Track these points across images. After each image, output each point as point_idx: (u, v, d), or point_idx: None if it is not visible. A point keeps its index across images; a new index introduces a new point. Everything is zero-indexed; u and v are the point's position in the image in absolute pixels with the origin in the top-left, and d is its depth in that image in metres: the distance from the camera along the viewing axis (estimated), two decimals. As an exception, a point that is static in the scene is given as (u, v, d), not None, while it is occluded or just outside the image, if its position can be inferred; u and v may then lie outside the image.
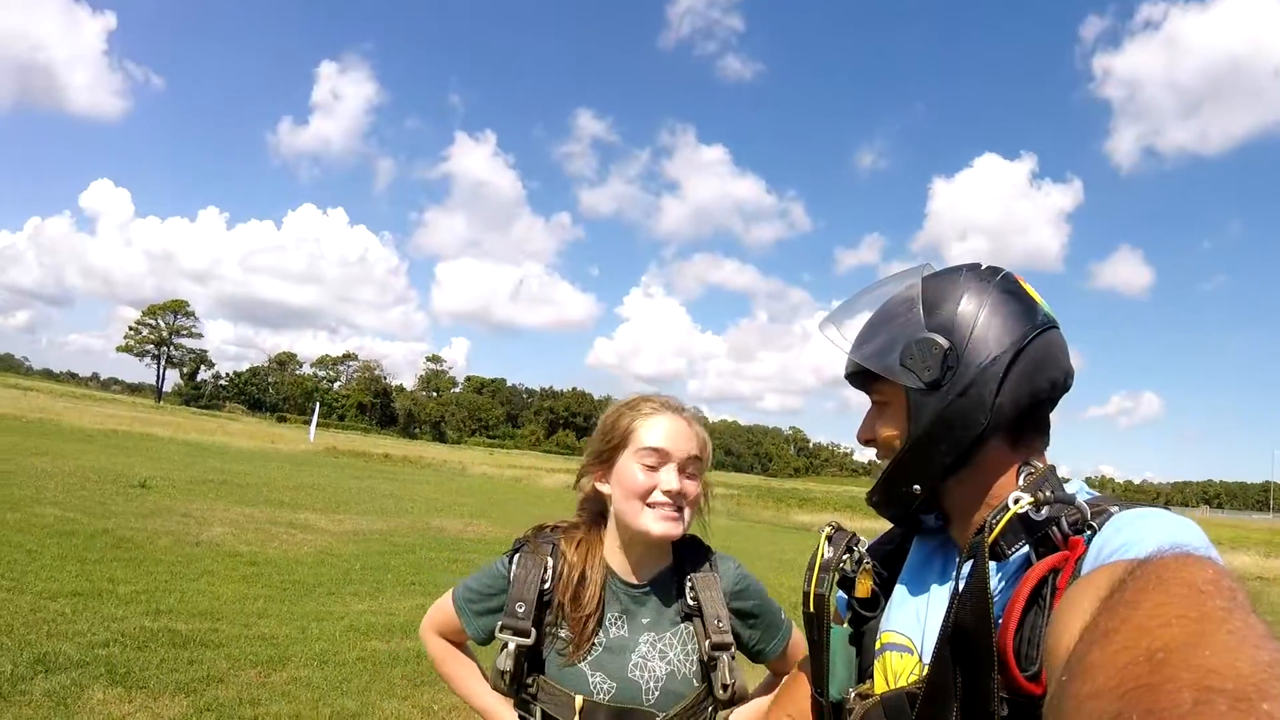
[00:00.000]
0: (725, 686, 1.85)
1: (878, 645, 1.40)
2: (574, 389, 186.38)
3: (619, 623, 1.90)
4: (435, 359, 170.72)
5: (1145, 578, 0.69)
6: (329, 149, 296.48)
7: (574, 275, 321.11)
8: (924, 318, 1.30)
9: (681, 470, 1.86)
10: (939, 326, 1.28)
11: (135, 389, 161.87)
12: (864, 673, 1.41)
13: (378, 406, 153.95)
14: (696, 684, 1.88)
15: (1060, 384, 1.29)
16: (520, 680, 1.86)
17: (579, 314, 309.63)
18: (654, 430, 1.87)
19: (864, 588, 1.44)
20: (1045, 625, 1.03)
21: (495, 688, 1.91)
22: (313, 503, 19.02)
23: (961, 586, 1.12)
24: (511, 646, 1.83)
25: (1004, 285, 1.31)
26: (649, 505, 1.83)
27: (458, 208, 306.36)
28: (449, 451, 76.35)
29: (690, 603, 1.91)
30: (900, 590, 1.43)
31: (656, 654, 1.88)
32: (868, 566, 1.45)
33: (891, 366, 1.29)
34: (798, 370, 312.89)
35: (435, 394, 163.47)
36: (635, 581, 1.93)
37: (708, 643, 1.86)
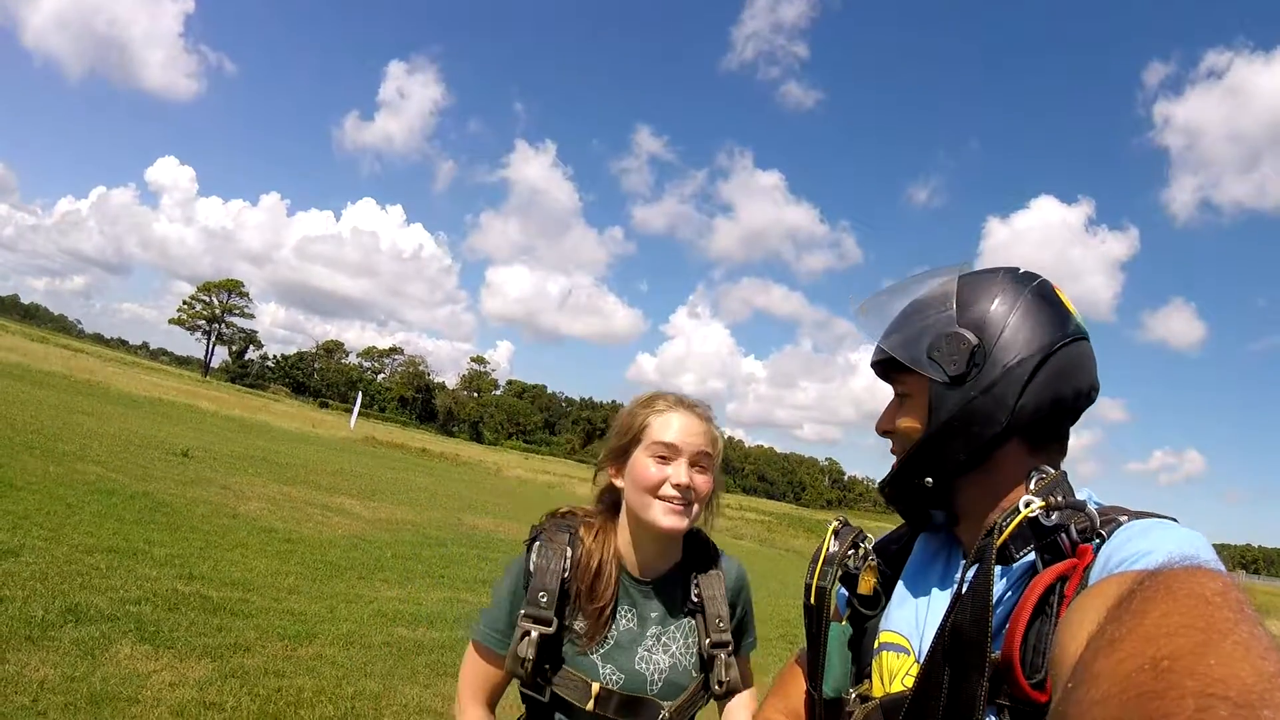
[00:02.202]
0: (721, 683, 1.96)
1: (876, 644, 1.39)
2: (613, 401, 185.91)
3: (629, 615, 1.97)
4: (479, 360, 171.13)
5: (1154, 588, 0.68)
6: (392, 146, 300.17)
7: (622, 289, 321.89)
8: (956, 314, 1.31)
9: (692, 465, 1.92)
10: (970, 324, 1.29)
11: (183, 361, 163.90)
12: (861, 672, 1.41)
13: (419, 401, 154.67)
14: (695, 675, 1.97)
15: (1085, 395, 1.30)
16: (540, 667, 1.89)
17: (624, 328, 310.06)
18: (666, 426, 1.94)
19: (867, 584, 1.45)
20: (1051, 633, 1.04)
21: (512, 674, 1.92)
22: (349, 488, 19.14)
23: (964, 590, 1.13)
24: (534, 634, 1.86)
25: (1039, 291, 1.33)
26: (658, 498, 1.89)
27: (513, 214, 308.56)
28: (485, 452, 76.73)
29: (694, 599, 2.01)
30: (901, 590, 1.43)
31: (660, 647, 1.96)
32: (872, 563, 1.46)
33: (918, 358, 1.31)
34: (838, 402, 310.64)
35: (476, 394, 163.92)
36: (645, 577, 2.00)
37: (708, 640, 1.96)
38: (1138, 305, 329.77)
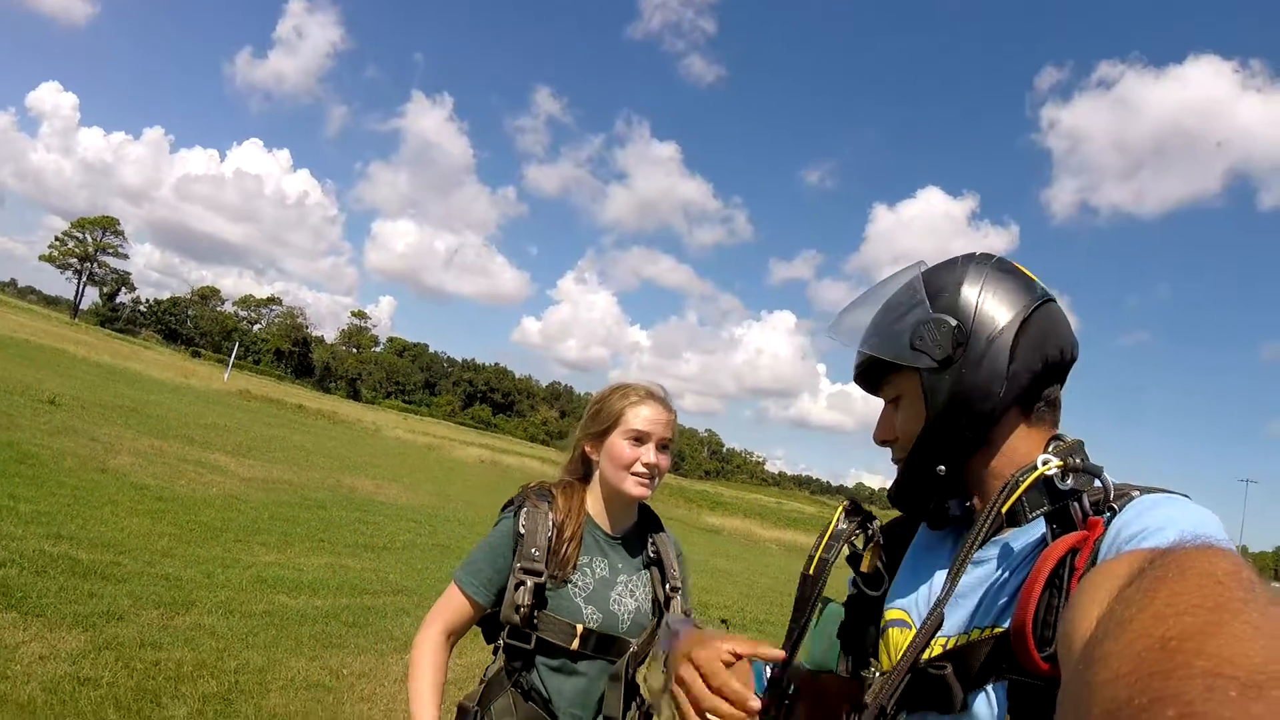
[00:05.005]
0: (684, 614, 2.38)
1: (883, 623, 1.42)
2: (496, 364, 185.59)
3: (602, 565, 2.39)
4: (360, 315, 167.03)
5: (1165, 567, 0.68)
6: (283, 86, 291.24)
7: (511, 251, 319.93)
8: (929, 303, 1.33)
9: (658, 447, 2.39)
10: (945, 308, 1.31)
11: (51, 301, 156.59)
12: (870, 653, 1.43)
13: (295, 355, 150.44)
14: (652, 618, 2.42)
15: (1068, 352, 1.32)
16: (530, 614, 2.24)
17: (510, 290, 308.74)
18: (640, 415, 2.39)
19: (867, 563, 1.47)
20: (1061, 606, 1.04)
21: (507, 621, 2.26)
22: (223, 444, 18.59)
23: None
24: (530, 583, 2.24)
25: (1000, 265, 1.36)
26: (631, 474, 2.36)
27: (404, 166, 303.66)
28: (363, 410, 75.52)
29: (651, 554, 2.49)
30: (904, 568, 1.46)
31: (628, 592, 2.40)
32: (877, 542, 1.48)
33: (902, 352, 1.33)
34: (720, 374, 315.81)
35: (355, 350, 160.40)
36: (611, 532, 2.45)
37: (666, 586, 2.44)
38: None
